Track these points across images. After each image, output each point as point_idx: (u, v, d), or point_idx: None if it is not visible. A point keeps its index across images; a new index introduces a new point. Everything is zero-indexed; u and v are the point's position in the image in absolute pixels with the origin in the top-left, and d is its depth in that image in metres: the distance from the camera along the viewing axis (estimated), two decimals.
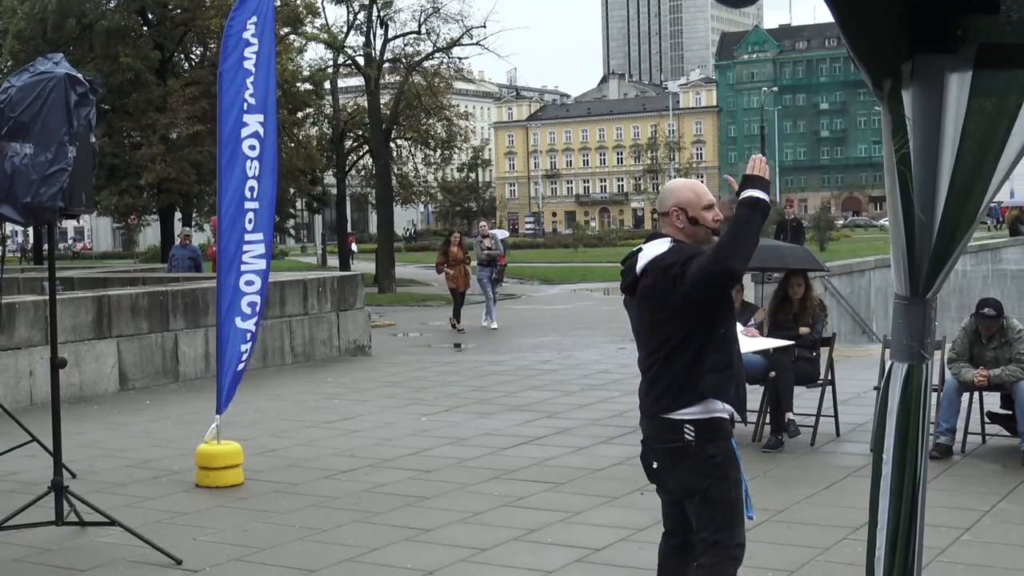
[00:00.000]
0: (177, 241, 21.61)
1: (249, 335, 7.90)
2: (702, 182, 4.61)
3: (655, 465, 4.14)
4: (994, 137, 2.57)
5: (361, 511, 7.10)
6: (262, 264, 7.94)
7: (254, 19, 7.88)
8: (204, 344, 13.19)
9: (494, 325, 19.41)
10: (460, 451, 8.90)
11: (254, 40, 7.86)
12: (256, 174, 7.86)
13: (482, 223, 22.47)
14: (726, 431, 4.06)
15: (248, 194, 7.85)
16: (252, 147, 7.85)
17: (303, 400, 11.73)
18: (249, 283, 7.87)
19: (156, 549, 6.08)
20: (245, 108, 7.83)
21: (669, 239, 4.11)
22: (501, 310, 22.32)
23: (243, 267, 7.83)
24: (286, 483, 7.91)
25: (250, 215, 7.85)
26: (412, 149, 38.07)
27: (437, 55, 33.72)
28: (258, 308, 7.95)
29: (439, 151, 37.74)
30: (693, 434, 3.99)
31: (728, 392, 4.02)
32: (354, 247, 52.10)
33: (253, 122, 7.85)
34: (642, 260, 4.08)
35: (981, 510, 6.84)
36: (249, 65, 7.84)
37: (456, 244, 19.99)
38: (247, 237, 7.84)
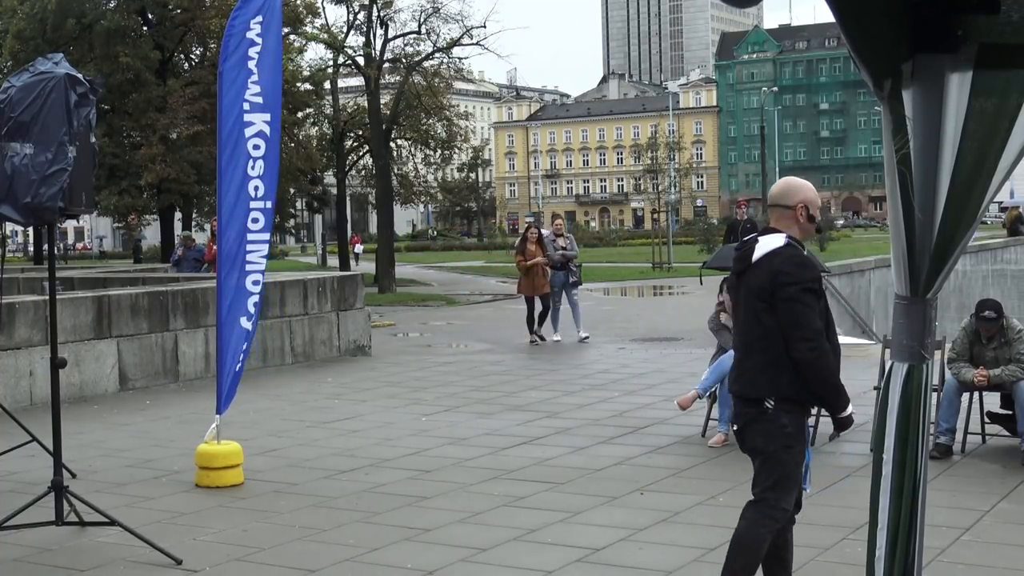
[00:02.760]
0: (177, 242, 21.65)
1: (248, 334, 7.92)
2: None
3: (735, 428, 4.84)
4: (994, 137, 2.57)
5: (361, 511, 7.09)
6: (264, 264, 7.97)
7: (259, 18, 7.89)
8: (204, 344, 13.19)
9: (584, 335, 16.76)
10: (460, 451, 8.89)
11: (259, 40, 7.87)
12: (261, 173, 7.87)
13: (558, 220, 18.65)
14: (801, 408, 4.60)
15: (253, 193, 7.85)
16: (257, 146, 7.85)
17: (303, 400, 11.73)
18: (256, 283, 7.88)
19: (156, 549, 6.08)
20: (248, 108, 7.83)
21: (785, 236, 4.53)
22: (502, 310, 22.28)
23: (249, 267, 7.83)
24: (286, 483, 7.91)
25: (255, 214, 7.85)
26: (412, 149, 38.08)
27: (437, 55, 33.73)
28: (259, 308, 7.99)
29: (439, 151, 37.74)
30: (772, 405, 4.53)
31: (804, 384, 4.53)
32: (359, 247, 52.07)
33: (259, 121, 7.86)
34: (758, 252, 4.55)
35: (981, 510, 6.84)
36: (252, 65, 7.84)
37: (533, 241, 17.06)
38: (252, 237, 7.84)
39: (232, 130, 7.81)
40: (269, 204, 7.92)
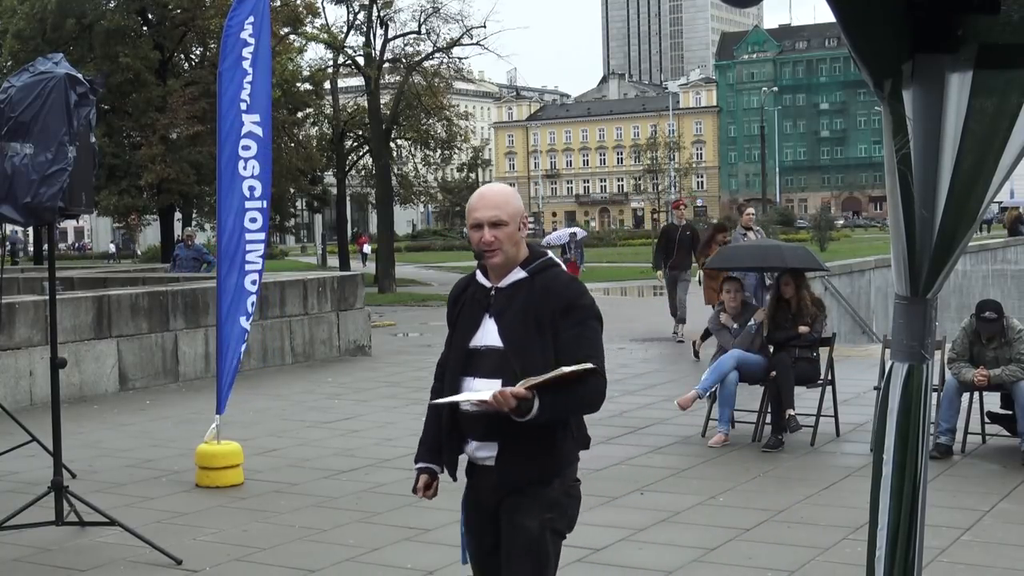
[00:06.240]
0: (178, 240, 21.63)
1: (247, 334, 7.96)
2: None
3: None
4: (994, 137, 2.57)
5: (361, 511, 7.09)
6: (262, 264, 7.99)
7: (251, 19, 7.90)
8: (204, 344, 13.19)
9: None
10: None
11: (251, 40, 7.88)
12: (255, 173, 7.89)
13: (749, 210, 15.25)
14: (469, 473, 3.78)
15: (248, 193, 7.87)
16: (247, 147, 7.87)
17: (303, 400, 11.73)
18: (254, 282, 7.91)
19: (156, 549, 6.08)
20: (244, 108, 7.85)
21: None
22: None
23: (248, 267, 7.86)
24: (286, 483, 7.91)
25: (253, 214, 7.87)
26: (412, 149, 38.06)
27: (437, 55, 33.70)
28: (255, 307, 8.04)
29: (439, 151, 37.70)
30: None
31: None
32: (367, 248, 51.77)
33: (248, 122, 7.88)
34: None
35: (981, 510, 6.84)
36: (247, 65, 7.86)
37: (723, 243, 14.41)
38: (250, 237, 7.88)
39: (231, 130, 7.82)
40: (265, 204, 7.96)
